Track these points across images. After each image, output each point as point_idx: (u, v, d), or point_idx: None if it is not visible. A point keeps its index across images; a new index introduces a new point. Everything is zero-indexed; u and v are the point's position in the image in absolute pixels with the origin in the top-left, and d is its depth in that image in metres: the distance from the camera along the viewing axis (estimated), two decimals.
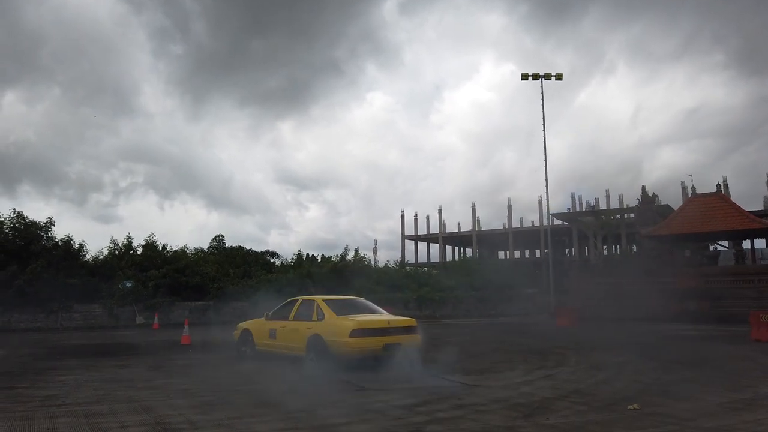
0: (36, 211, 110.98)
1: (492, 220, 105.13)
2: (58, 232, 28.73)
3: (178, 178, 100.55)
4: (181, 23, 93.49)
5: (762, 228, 28.81)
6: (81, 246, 29.09)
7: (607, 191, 52.28)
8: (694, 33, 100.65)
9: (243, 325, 12.66)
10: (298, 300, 11.75)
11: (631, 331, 19.13)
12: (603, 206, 51.36)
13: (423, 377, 9.23)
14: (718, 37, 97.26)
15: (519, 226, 60.14)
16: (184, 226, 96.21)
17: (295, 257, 39.90)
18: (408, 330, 10.46)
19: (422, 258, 65.88)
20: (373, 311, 11.30)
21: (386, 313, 11.60)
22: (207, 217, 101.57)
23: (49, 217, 28.24)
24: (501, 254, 67.71)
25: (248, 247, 40.24)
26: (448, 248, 66.02)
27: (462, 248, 67.14)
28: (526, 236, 59.19)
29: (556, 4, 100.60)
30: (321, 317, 10.52)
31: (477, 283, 34.01)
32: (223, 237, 39.59)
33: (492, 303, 32.93)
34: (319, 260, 40.52)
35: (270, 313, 11.81)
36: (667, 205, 42.10)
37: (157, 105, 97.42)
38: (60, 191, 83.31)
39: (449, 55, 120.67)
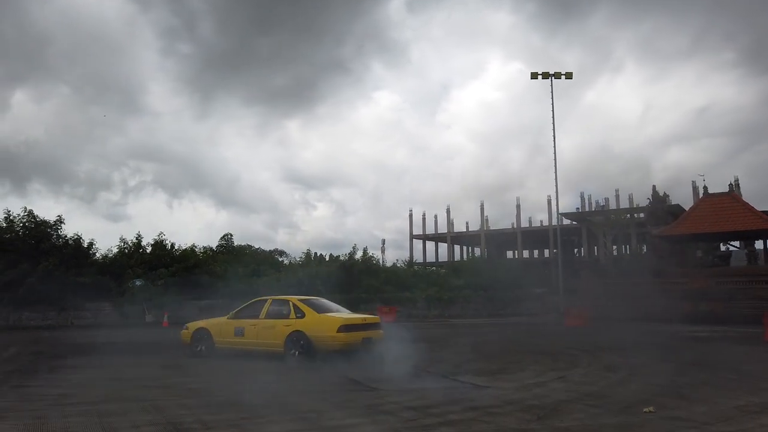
0: (46, 209, 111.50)
1: (500, 220, 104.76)
2: (68, 231, 28.94)
3: (186, 177, 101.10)
4: (189, 22, 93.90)
5: None
6: (91, 244, 29.36)
7: (616, 191, 51.96)
8: (704, 30, 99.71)
9: (196, 324, 12.91)
10: (267, 299, 12.39)
11: (643, 332, 18.94)
12: (613, 206, 51.01)
13: (435, 378, 9.18)
14: (728, 34, 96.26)
15: (527, 225, 59.90)
16: (192, 225, 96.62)
17: (303, 256, 39.98)
18: (376, 326, 12.15)
19: (430, 257, 65.77)
20: (338, 310, 12.48)
21: (347, 311, 12.92)
22: (215, 216, 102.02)
23: (58, 216, 28.47)
24: (509, 254, 67.49)
25: (256, 246, 40.38)
26: (456, 248, 65.85)
27: (470, 248, 66.96)
28: (534, 236, 58.95)
29: (564, 2, 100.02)
30: (301, 315, 11.44)
31: (486, 282, 33.86)
32: (232, 236, 39.71)
33: (501, 303, 32.78)
34: (327, 259, 40.54)
35: (234, 312, 12.35)
36: (678, 204, 41.78)
37: (165, 104, 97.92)
38: (70, 189, 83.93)
39: (456, 53, 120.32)
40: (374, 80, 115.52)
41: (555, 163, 31.34)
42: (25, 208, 27.83)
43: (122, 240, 31.26)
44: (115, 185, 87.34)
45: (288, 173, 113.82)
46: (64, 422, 6.09)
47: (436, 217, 63.79)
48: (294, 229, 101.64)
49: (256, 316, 11.92)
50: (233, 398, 7.61)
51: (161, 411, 6.69)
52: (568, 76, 31.75)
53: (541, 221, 59.20)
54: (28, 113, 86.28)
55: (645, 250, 46.10)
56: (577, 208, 54.17)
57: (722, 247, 37.62)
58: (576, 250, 60.23)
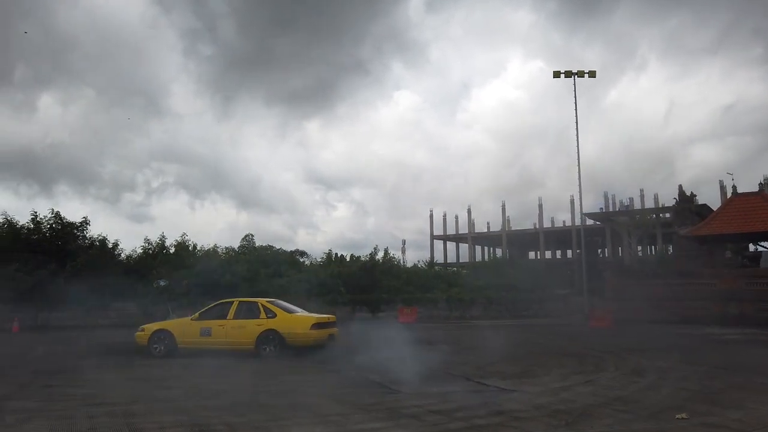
0: (72, 210, 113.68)
1: (521, 220, 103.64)
2: (94, 232, 29.37)
3: (208, 178, 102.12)
4: (210, 24, 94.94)
5: None
6: (116, 245, 29.75)
7: (641, 190, 51.16)
8: (731, 26, 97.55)
9: (153, 326, 13.42)
10: (233, 302, 13.30)
11: (670, 335, 18.55)
12: (637, 206, 50.20)
13: (458, 381, 9.06)
14: (756, 30, 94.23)
15: (550, 225, 59.25)
16: (214, 225, 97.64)
17: (324, 257, 40.01)
18: (335, 324, 13.62)
19: (451, 258, 65.48)
20: (300, 310, 13.65)
21: (305, 311, 14.07)
22: (236, 217, 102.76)
23: (84, 217, 28.86)
24: (531, 254, 66.88)
25: (277, 247, 40.42)
26: (478, 248, 65.46)
27: (491, 248, 66.52)
28: (557, 236, 58.36)
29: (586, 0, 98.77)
30: (272, 315, 12.60)
31: (508, 283, 33.54)
32: (253, 236, 39.85)
33: (523, 304, 32.44)
34: (348, 260, 40.52)
35: (199, 314, 13.17)
36: (705, 204, 40.90)
37: (187, 105, 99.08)
38: (95, 191, 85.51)
39: (476, 52, 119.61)
40: (394, 80, 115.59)
41: (578, 163, 30.92)
42: (53, 209, 28.33)
43: (146, 241, 31.71)
44: (138, 186, 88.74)
45: (308, 174, 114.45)
46: (90, 422, 6.13)
47: (456, 217, 63.58)
48: (314, 229, 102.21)
49: (224, 317, 12.79)
50: (256, 399, 7.60)
51: (186, 412, 6.70)
52: (592, 74, 31.28)
53: (564, 221, 58.65)
54: (54, 116, 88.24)
55: (671, 251, 45.26)
56: (601, 208, 53.43)
57: (751, 248, 36.73)
58: (600, 250, 59.42)
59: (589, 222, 51.91)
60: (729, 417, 6.38)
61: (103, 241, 29.05)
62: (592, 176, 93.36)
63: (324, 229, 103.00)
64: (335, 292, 30.15)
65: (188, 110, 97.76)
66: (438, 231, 64.06)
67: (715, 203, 40.44)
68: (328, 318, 13.57)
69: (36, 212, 27.67)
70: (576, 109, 31.04)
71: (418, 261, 48.09)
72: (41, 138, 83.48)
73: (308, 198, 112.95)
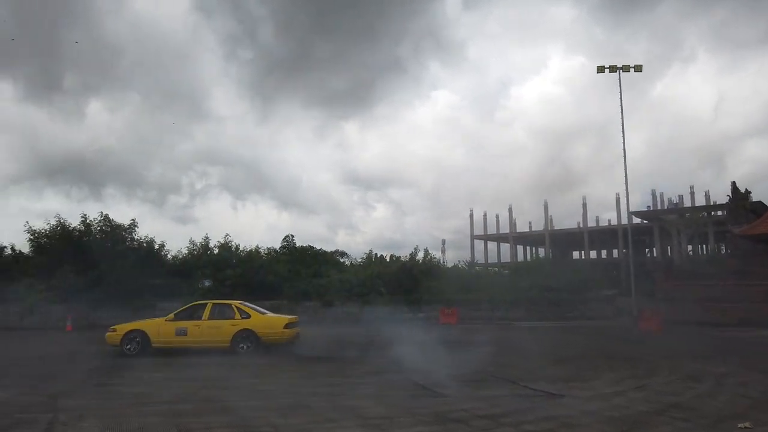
0: (120, 213, 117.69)
1: (563, 219, 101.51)
2: (141, 233, 30.23)
3: (250, 180, 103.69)
4: (250, 28, 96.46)
5: None
6: (162, 246, 30.55)
7: (691, 188, 49.19)
8: None
9: (126, 326, 13.74)
10: (206, 303, 14.28)
11: (724, 338, 17.76)
12: (687, 203, 48.39)
13: (504, 384, 8.86)
14: None
15: (594, 224, 57.79)
16: (255, 226, 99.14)
17: (364, 257, 40.09)
18: (298, 324, 14.79)
19: (492, 258, 64.65)
20: (268, 311, 14.85)
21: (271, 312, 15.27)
22: (277, 217, 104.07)
23: (132, 219, 29.77)
24: (575, 254, 65.36)
25: (318, 247, 40.74)
26: (519, 248, 64.41)
27: (534, 248, 65.31)
28: (602, 235, 56.79)
29: None
30: (246, 316, 13.65)
31: (551, 284, 32.80)
32: (293, 237, 40.29)
33: (568, 305, 31.65)
34: (388, 260, 40.48)
35: (174, 315, 13.83)
36: (761, 201, 39.08)
37: (229, 108, 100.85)
38: (142, 194, 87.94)
39: (515, 49, 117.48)
40: (431, 79, 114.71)
41: (624, 160, 29.93)
42: (102, 212, 29.30)
43: (191, 242, 32.48)
44: (183, 189, 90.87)
45: (347, 174, 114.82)
46: (140, 421, 6.25)
47: (497, 216, 62.63)
48: (353, 230, 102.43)
49: (199, 318, 13.63)
50: (300, 401, 7.61)
51: (232, 412, 6.76)
52: (638, 68, 30.21)
53: (609, 220, 56.99)
54: (103, 122, 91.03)
55: (724, 250, 43.48)
56: (648, 207, 51.70)
57: None
58: (647, 250, 57.58)
59: (636, 221, 50.31)
60: None
61: (151, 242, 29.89)
62: (638, 173, 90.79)
63: (363, 230, 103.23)
64: (375, 292, 30.17)
65: (229, 113, 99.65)
66: (478, 231, 63.32)
67: None
68: (295, 318, 14.79)
69: (86, 215, 28.70)
70: (621, 105, 30.04)
71: (459, 261, 47.60)
72: (90, 143, 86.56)
73: (347, 198, 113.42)
